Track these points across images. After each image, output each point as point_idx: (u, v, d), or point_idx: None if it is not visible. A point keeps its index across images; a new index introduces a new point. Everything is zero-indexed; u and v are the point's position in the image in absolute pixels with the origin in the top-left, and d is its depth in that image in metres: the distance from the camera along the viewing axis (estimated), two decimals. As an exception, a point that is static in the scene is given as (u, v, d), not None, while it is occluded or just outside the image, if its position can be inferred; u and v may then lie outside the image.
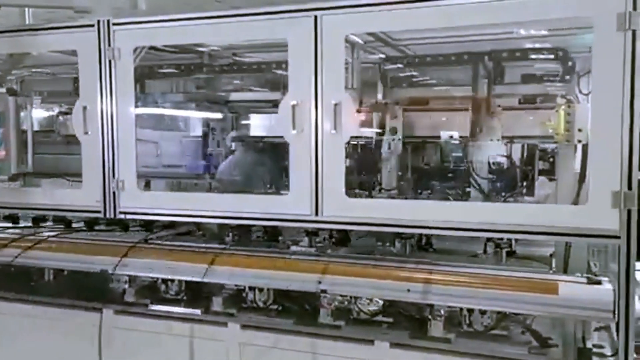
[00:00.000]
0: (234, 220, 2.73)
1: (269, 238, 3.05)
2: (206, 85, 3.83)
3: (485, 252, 2.63)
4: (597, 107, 2.14)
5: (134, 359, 2.80)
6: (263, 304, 2.68)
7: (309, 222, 2.54)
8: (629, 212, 2.08)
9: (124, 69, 2.81)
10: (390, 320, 2.50)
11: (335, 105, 2.44)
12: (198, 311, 2.72)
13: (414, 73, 3.47)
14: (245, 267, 2.61)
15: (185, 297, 2.86)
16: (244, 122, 3.68)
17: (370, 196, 2.98)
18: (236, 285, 2.73)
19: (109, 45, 2.81)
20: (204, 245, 2.82)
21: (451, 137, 3.06)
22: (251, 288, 2.70)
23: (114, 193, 2.86)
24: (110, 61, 2.82)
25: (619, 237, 2.09)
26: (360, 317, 2.53)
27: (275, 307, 2.67)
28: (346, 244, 2.92)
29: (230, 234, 2.98)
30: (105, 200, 2.87)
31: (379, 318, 2.52)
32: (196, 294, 2.86)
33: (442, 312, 2.38)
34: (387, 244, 2.82)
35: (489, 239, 2.61)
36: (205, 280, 2.70)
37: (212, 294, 2.77)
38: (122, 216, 2.87)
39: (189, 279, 2.67)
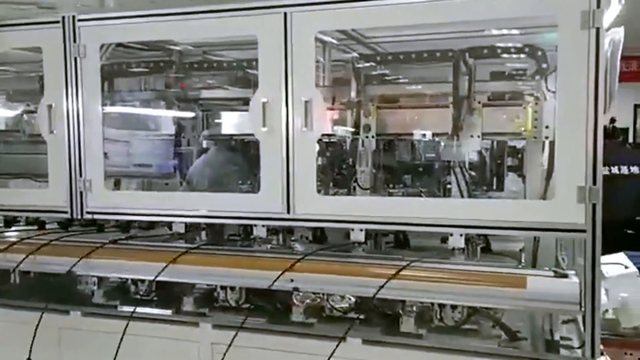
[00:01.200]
0: (205, 219, 2.71)
1: (243, 237, 3.04)
2: (176, 84, 3.78)
3: (459, 248, 2.66)
4: (562, 104, 2.18)
5: (103, 361, 2.75)
6: (235, 303, 2.66)
7: (281, 220, 2.53)
8: (594, 206, 2.12)
9: (90, 66, 2.76)
10: (363, 317, 2.50)
11: (306, 102, 2.43)
12: (169, 311, 2.69)
13: (387, 71, 3.48)
14: (215, 266, 2.58)
15: (155, 298, 2.82)
16: (215, 120, 3.65)
17: (342, 194, 2.98)
18: (208, 285, 2.71)
19: (75, 42, 2.76)
20: (173, 245, 2.77)
21: (423, 134, 3.09)
22: (223, 287, 2.67)
23: (81, 193, 2.80)
24: (75, 59, 2.77)
25: (584, 231, 2.14)
26: (332, 314, 2.53)
27: (247, 306, 2.65)
28: (322, 242, 2.92)
29: (203, 233, 2.96)
30: (72, 200, 2.82)
31: (352, 315, 2.52)
32: (167, 294, 2.82)
33: (414, 308, 2.40)
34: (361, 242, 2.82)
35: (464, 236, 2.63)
36: (175, 280, 2.67)
37: (184, 294, 2.74)
38: (90, 216, 2.81)
39: (158, 279, 2.63)
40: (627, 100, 13.55)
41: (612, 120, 7.51)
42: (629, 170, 5.98)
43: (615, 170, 5.91)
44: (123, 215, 2.90)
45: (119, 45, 3.00)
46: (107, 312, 2.78)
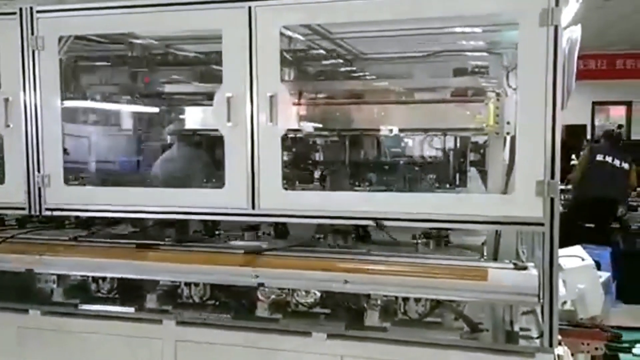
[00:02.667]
0: (168, 215, 2.67)
1: (208, 233, 3.01)
2: (139, 78, 3.71)
3: (422, 242, 2.69)
4: (522, 100, 2.22)
5: (64, 361, 2.69)
6: (199, 300, 2.64)
7: (246, 215, 2.52)
8: (552, 200, 2.18)
9: (48, 59, 2.69)
10: (328, 311, 2.51)
11: (271, 97, 2.42)
12: (131, 309, 2.64)
13: (352, 68, 3.50)
14: (179, 263, 2.55)
15: (117, 296, 2.77)
16: (180, 115, 3.60)
17: (307, 189, 2.98)
18: (172, 282, 2.68)
19: (32, 34, 2.68)
20: (135, 242, 2.73)
21: (390, 130, 3.11)
22: (187, 284, 2.65)
23: (39, 189, 2.73)
24: (34, 51, 2.69)
25: (543, 224, 2.19)
26: (297, 309, 2.53)
27: (211, 302, 2.63)
28: (285, 237, 2.92)
29: (167, 230, 2.92)
30: (30, 196, 2.74)
31: (317, 310, 2.53)
32: (129, 292, 2.77)
33: (378, 301, 2.42)
34: (324, 236, 2.84)
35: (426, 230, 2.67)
36: (137, 277, 2.65)
37: (147, 291, 2.70)
38: (49, 213, 2.74)
39: (120, 276, 2.59)
40: (586, 98, 13.94)
41: (620, 127, 7.80)
42: None
43: None
44: (83, 212, 2.84)
45: (78, 37, 2.92)
46: (68, 310, 2.72)
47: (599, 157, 6.47)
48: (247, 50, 2.42)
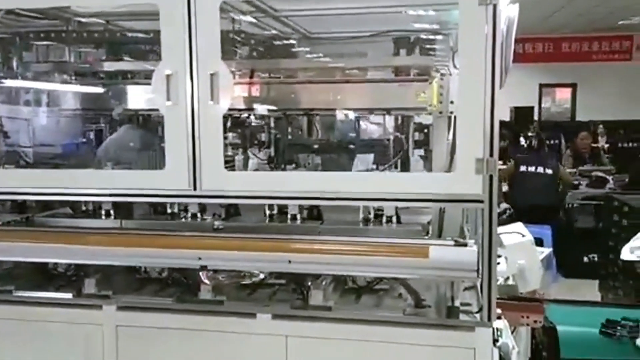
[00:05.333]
0: (107, 197, 2.59)
1: (152, 215, 2.94)
2: (78, 56, 3.56)
3: (371, 222, 2.71)
4: (462, 78, 2.24)
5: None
6: (141, 284, 2.58)
7: (188, 196, 2.46)
8: (491, 177, 2.21)
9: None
10: (273, 292, 2.50)
11: (212, 75, 2.36)
12: (69, 295, 2.56)
13: (298, 47, 3.45)
14: (120, 246, 2.49)
15: (56, 281, 2.68)
16: (120, 95, 3.48)
17: (251, 169, 2.94)
18: (112, 266, 2.60)
19: (-44, 7, 2.52)
20: (74, 226, 2.64)
21: (334, 109, 3.10)
22: (128, 268, 2.58)
23: (-30, 172, 2.60)
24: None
25: (482, 201, 2.23)
26: (242, 290, 2.51)
27: (154, 286, 2.58)
28: (236, 219, 2.89)
29: (112, 213, 2.84)
30: (-39, 180, 2.60)
31: (262, 290, 2.51)
32: (70, 277, 2.69)
33: (323, 280, 2.42)
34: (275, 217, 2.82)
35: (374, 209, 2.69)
36: (77, 261, 2.58)
37: (86, 276, 2.62)
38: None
39: (55, 260, 2.50)
40: (533, 80, 14.31)
41: (540, 132, 7.87)
42: None
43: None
44: (20, 195, 2.72)
45: (8, 12, 2.77)
46: (3, 297, 2.61)
47: (522, 168, 6.61)
48: (186, 26, 2.35)
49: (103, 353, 2.49)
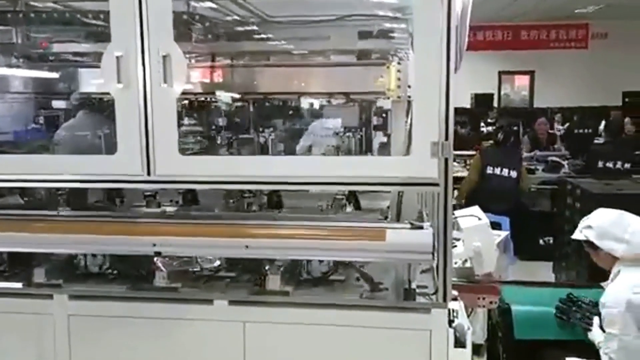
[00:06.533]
0: (57, 183, 2.51)
1: (107, 202, 2.87)
2: (26, 38, 3.42)
3: (330, 206, 2.71)
4: (418, 62, 2.24)
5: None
6: (94, 272, 2.51)
7: (141, 182, 2.40)
8: (446, 160, 2.23)
9: None
10: (230, 278, 2.48)
11: (164, 57, 2.29)
12: (19, 284, 2.48)
13: (256, 29, 3.40)
14: (71, 233, 2.41)
15: (4, 270, 2.59)
16: (72, 79, 3.37)
17: (207, 153, 2.89)
18: (63, 254, 2.53)
19: None
20: (23, 212, 2.55)
21: (292, 93, 3.07)
22: (80, 256, 2.51)
23: None
24: None
25: (438, 185, 2.25)
26: (199, 277, 2.48)
27: (107, 274, 2.52)
28: (194, 204, 2.84)
29: (63, 199, 2.75)
30: None
31: (219, 276, 2.48)
32: (19, 266, 2.60)
33: (280, 265, 2.41)
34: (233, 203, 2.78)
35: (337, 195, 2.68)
36: (28, 250, 2.49)
37: (37, 264, 2.53)
38: None
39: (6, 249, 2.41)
40: (493, 67, 14.57)
41: (499, 128, 7.63)
42: None
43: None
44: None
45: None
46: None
47: (489, 170, 6.42)
48: (136, 6, 2.27)
49: (55, 343, 2.42)
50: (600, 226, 3.16)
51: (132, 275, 2.51)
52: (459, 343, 2.36)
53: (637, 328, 2.93)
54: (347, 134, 3.18)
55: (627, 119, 10.13)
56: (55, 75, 3.48)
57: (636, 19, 13.24)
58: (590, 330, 3.21)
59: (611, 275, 3.19)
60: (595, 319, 3.22)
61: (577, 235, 3.30)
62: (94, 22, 3.15)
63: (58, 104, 3.60)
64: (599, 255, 3.22)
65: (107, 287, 2.46)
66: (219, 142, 3.02)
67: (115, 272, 2.53)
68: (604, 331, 3.07)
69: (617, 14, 13.18)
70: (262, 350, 2.34)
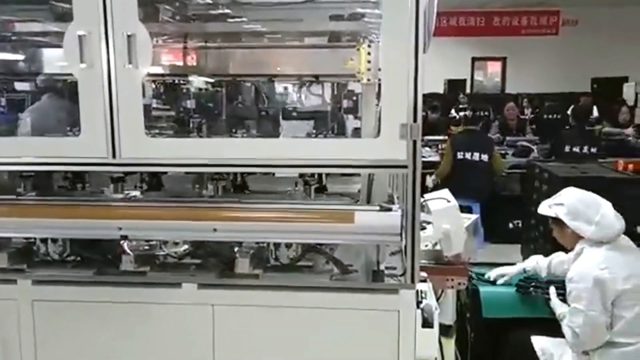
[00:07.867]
0: (20, 166, 2.44)
1: (73, 186, 2.80)
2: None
3: (298, 190, 2.68)
4: (386, 44, 2.24)
5: None
6: (58, 257, 2.46)
7: (106, 165, 2.35)
8: (415, 142, 2.24)
9: None
10: (199, 261, 2.46)
11: (129, 37, 2.24)
12: (-20, 270, 2.42)
13: (227, 11, 3.34)
14: (34, 217, 2.36)
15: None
16: (35, 59, 3.27)
17: (175, 136, 2.85)
18: (26, 239, 2.48)
19: None
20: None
21: (264, 76, 3.03)
22: (44, 240, 2.46)
23: None
24: None
25: (406, 167, 2.25)
26: (166, 261, 2.45)
27: (72, 258, 2.47)
28: (159, 189, 2.80)
29: (28, 183, 2.68)
30: None
31: (187, 260, 2.46)
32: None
33: (249, 249, 2.40)
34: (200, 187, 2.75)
35: (301, 177, 2.67)
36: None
37: (0, 249, 2.47)
38: None
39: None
40: (466, 53, 14.66)
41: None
42: None
43: None
44: None
45: None
46: None
47: (460, 155, 6.39)
48: (99, -17, 2.21)
49: (19, 329, 2.37)
50: (574, 206, 3.18)
51: (98, 259, 2.47)
52: (427, 323, 2.39)
53: (602, 304, 2.99)
54: (319, 116, 3.18)
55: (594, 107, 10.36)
56: (18, 56, 3.38)
57: (606, 6, 13.45)
58: (549, 299, 3.31)
59: (573, 253, 3.24)
60: (552, 289, 3.33)
61: (546, 210, 3.31)
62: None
63: (21, 85, 3.51)
64: (564, 233, 3.25)
65: (73, 272, 2.41)
66: (190, 125, 2.98)
67: (81, 256, 2.48)
68: (568, 305, 3.13)
69: (588, 1, 13.38)
70: (232, 333, 2.34)
